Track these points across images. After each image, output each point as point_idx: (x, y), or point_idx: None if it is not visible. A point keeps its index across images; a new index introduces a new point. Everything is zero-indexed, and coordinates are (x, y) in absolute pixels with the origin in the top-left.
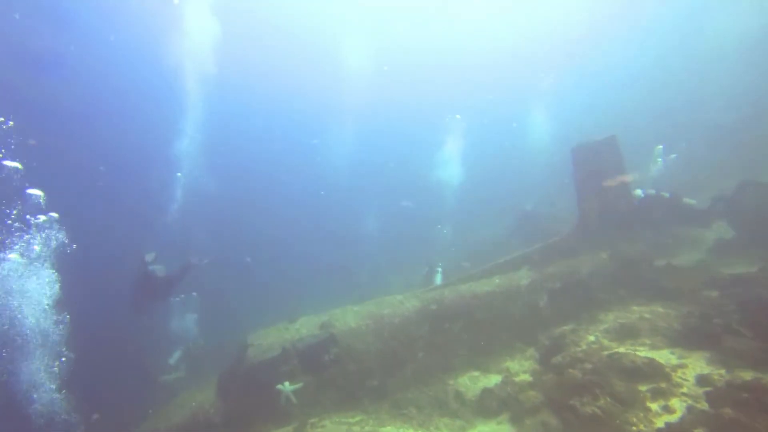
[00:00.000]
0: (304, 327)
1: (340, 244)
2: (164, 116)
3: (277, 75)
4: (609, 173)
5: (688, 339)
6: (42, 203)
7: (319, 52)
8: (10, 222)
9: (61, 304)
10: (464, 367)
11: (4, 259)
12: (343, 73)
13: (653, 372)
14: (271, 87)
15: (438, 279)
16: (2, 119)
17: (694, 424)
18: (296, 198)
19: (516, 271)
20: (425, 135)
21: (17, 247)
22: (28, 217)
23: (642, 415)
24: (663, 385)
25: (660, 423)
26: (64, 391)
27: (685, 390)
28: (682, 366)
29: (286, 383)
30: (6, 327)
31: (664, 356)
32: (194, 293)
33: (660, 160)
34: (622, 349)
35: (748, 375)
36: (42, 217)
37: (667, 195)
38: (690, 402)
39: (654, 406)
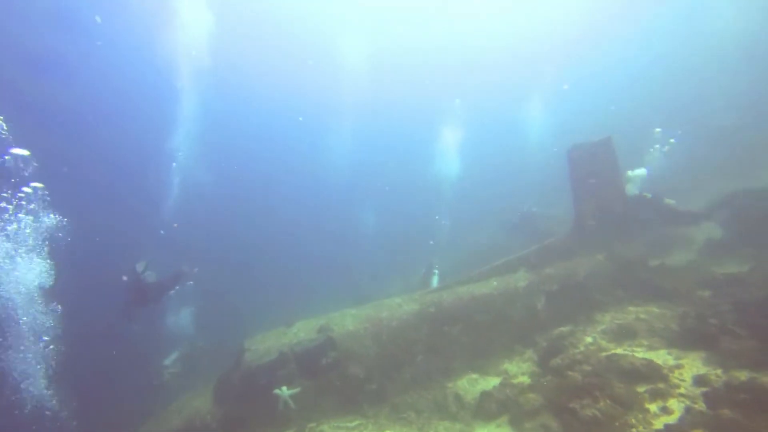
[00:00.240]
0: (302, 331)
1: (338, 243)
2: (158, 110)
3: (272, 70)
4: (604, 174)
5: (684, 339)
6: (30, 166)
7: (316, 47)
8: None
9: (52, 294)
10: (463, 370)
11: None
12: (339, 68)
13: (651, 373)
14: (267, 82)
15: (435, 280)
16: None
17: (693, 425)
18: (293, 195)
19: (513, 273)
20: (423, 131)
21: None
22: (12, 181)
23: (641, 416)
24: (661, 386)
25: (659, 424)
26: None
27: (682, 391)
28: (679, 366)
29: (284, 388)
30: None
31: (662, 357)
32: (190, 282)
33: (658, 146)
34: (620, 351)
35: (743, 375)
36: (27, 189)
37: (649, 195)
38: (688, 403)
39: (653, 408)
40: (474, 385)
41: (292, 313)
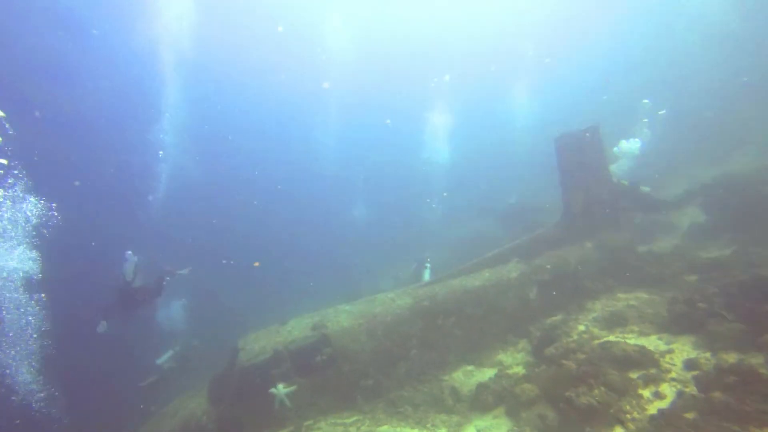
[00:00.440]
0: (296, 329)
1: (329, 237)
2: (143, 98)
3: (256, 60)
4: (592, 162)
5: (674, 324)
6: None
7: (300, 34)
8: None
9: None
10: (458, 362)
11: None
12: (324, 56)
13: (643, 359)
14: (250, 71)
15: (426, 274)
16: None
17: (685, 409)
18: (281, 189)
19: (505, 264)
20: (411, 117)
21: None
22: None
23: (635, 402)
24: (653, 371)
25: (652, 409)
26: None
27: (674, 375)
28: (670, 351)
29: (280, 386)
30: None
31: (653, 342)
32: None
33: (647, 120)
34: (612, 338)
35: (732, 357)
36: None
37: (626, 183)
38: (680, 387)
39: (646, 393)
40: (469, 377)
41: (286, 311)
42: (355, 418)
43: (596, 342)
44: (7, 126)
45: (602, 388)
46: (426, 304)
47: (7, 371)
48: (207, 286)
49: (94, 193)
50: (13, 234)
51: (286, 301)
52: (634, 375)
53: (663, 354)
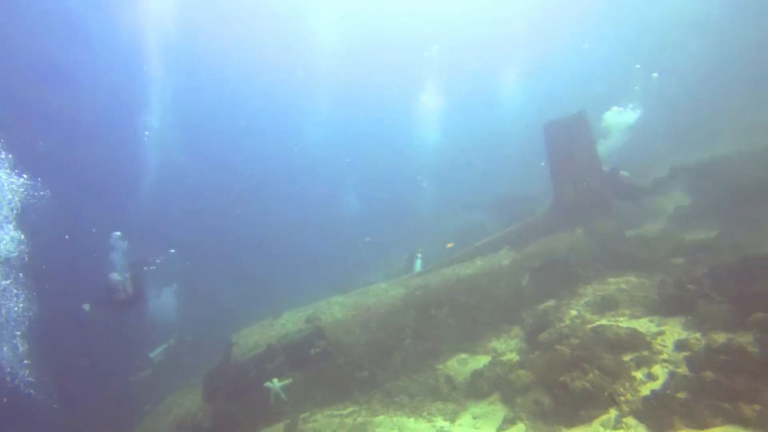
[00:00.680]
0: (289, 322)
1: (321, 227)
2: (128, 82)
3: (241, 44)
4: (580, 148)
5: (664, 306)
6: None
7: (286, 19)
8: None
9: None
10: (452, 351)
11: None
12: (312, 42)
13: (635, 342)
14: (236, 56)
15: (418, 265)
16: None
17: (677, 389)
18: (270, 180)
19: (496, 252)
20: (400, 100)
21: None
22: None
23: (628, 384)
24: (645, 353)
25: (645, 391)
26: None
27: (665, 356)
28: (661, 333)
29: (275, 380)
30: None
31: (644, 325)
32: (172, 250)
33: (638, 88)
34: (604, 322)
35: (721, 337)
36: None
37: (606, 168)
38: (671, 368)
39: (639, 375)
40: (464, 365)
41: (278, 304)
42: (351, 409)
43: (589, 326)
44: None
45: (596, 372)
46: (419, 294)
47: None
48: (198, 279)
49: (81, 175)
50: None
51: (278, 295)
52: (626, 358)
53: (654, 336)
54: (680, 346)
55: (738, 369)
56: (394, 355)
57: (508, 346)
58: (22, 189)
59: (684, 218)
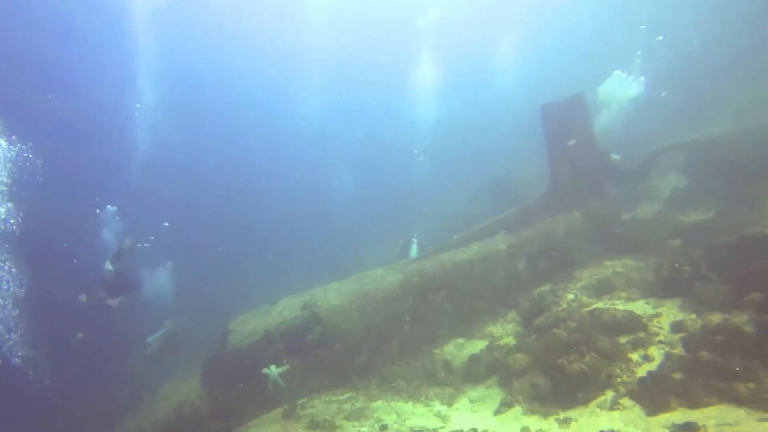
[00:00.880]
0: (286, 309)
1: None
2: (117, 51)
3: (232, 18)
4: (577, 131)
5: (660, 288)
6: None
7: None
8: None
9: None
10: (449, 336)
11: None
12: (304, 14)
13: (632, 324)
14: (224, 28)
15: (414, 250)
16: None
17: (673, 370)
18: (262, 161)
19: (493, 237)
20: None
21: None
22: None
23: (624, 366)
24: (641, 335)
25: (642, 372)
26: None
27: (661, 338)
28: (657, 315)
29: (273, 367)
30: None
31: (641, 307)
32: (166, 224)
33: (640, 53)
34: (600, 305)
35: (717, 317)
36: None
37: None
38: (667, 349)
39: (635, 357)
40: (461, 350)
41: (275, 291)
42: (348, 395)
43: (585, 310)
44: None
45: (593, 354)
46: (416, 280)
47: None
48: (192, 257)
49: (72, 147)
50: None
51: (274, 281)
52: (623, 340)
53: (651, 318)
54: (676, 327)
55: (734, 349)
56: (391, 341)
57: (504, 331)
58: (12, 154)
59: (681, 200)
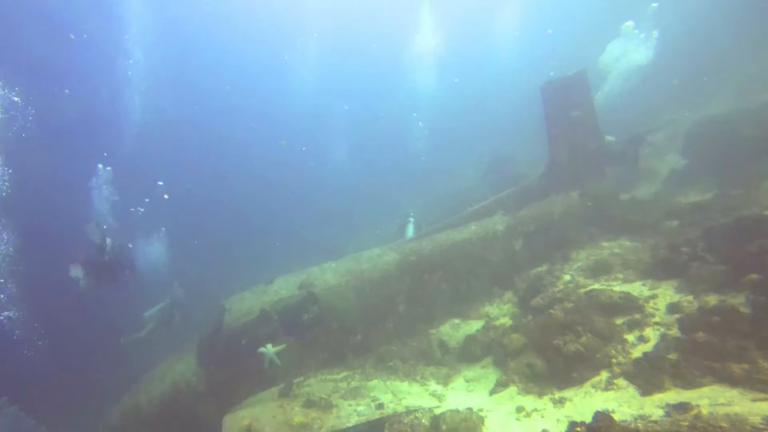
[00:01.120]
0: (283, 288)
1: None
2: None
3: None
4: (579, 109)
5: (657, 270)
6: None
7: None
8: None
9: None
10: (445, 315)
11: None
12: None
13: (628, 305)
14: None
15: (410, 230)
16: None
17: (668, 350)
18: (258, 140)
19: (490, 216)
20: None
21: None
22: None
23: (620, 347)
24: (637, 316)
25: (637, 353)
26: None
27: (657, 319)
28: (653, 297)
29: (269, 346)
30: None
31: (637, 288)
32: (160, 182)
33: (655, 5)
34: (597, 286)
35: (713, 298)
36: None
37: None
38: (663, 330)
39: (630, 338)
40: (457, 330)
41: (271, 270)
42: (345, 374)
43: (582, 290)
44: None
45: (589, 335)
46: (413, 260)
47: None
48: (187, 223)
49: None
50: None
51: (270, 260)
52: (619, 321)
53: (647, 299)
54: (672, 308)
55: (729, 329)
56: (387, 320)
57: (501, 311)
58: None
59: (679, 181)
